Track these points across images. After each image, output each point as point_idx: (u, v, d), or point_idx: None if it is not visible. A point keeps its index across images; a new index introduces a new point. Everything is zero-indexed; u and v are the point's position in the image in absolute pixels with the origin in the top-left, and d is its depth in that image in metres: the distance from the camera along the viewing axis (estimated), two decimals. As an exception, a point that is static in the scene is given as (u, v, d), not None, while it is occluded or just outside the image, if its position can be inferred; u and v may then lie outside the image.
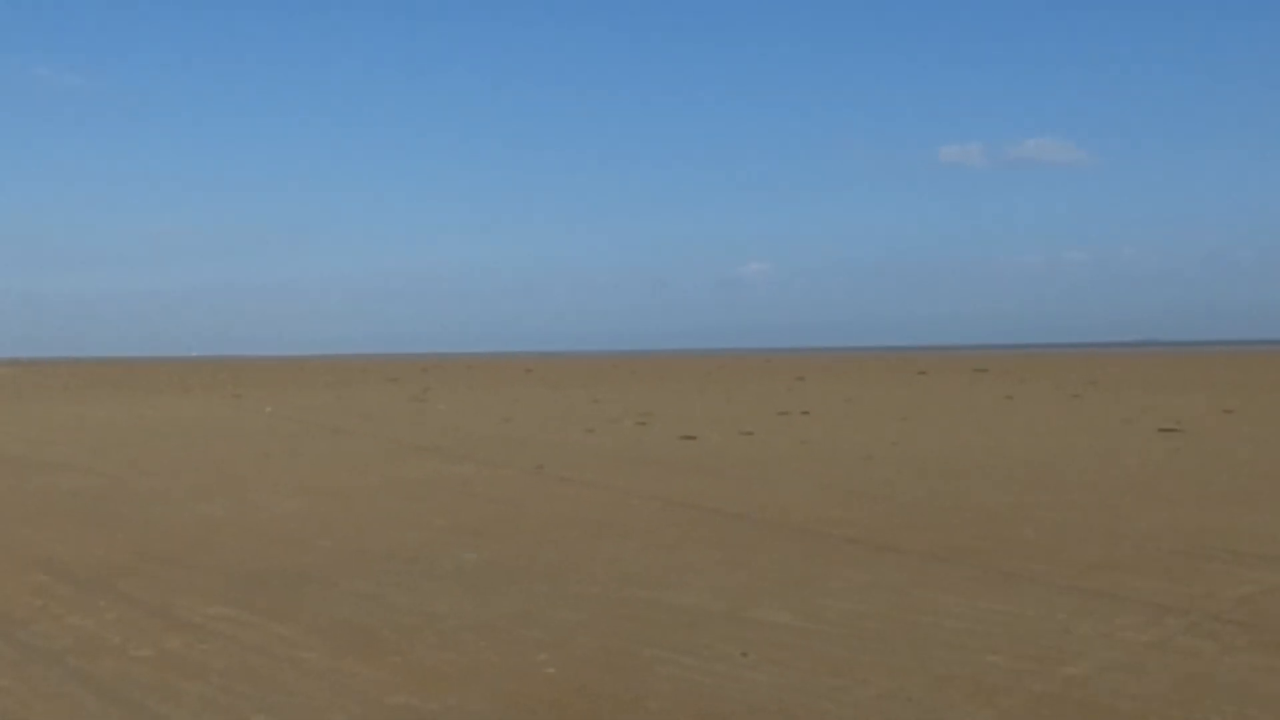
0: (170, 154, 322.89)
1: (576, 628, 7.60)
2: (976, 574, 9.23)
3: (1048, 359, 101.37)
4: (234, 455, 20.47)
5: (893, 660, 6.72)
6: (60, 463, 19.62)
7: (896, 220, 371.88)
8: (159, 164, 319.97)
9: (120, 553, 10.65)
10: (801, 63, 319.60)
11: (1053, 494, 13.86)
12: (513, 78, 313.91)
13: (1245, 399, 34.36)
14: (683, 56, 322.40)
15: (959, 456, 18.56)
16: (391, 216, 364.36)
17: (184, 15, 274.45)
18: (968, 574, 9.23)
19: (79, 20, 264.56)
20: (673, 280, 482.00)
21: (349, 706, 6.01)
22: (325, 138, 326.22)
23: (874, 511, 12.66)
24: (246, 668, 6.72)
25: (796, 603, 8.21)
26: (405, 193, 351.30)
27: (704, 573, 9.43)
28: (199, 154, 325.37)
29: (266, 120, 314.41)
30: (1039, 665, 6.56)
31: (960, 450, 19.65)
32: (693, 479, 16.02)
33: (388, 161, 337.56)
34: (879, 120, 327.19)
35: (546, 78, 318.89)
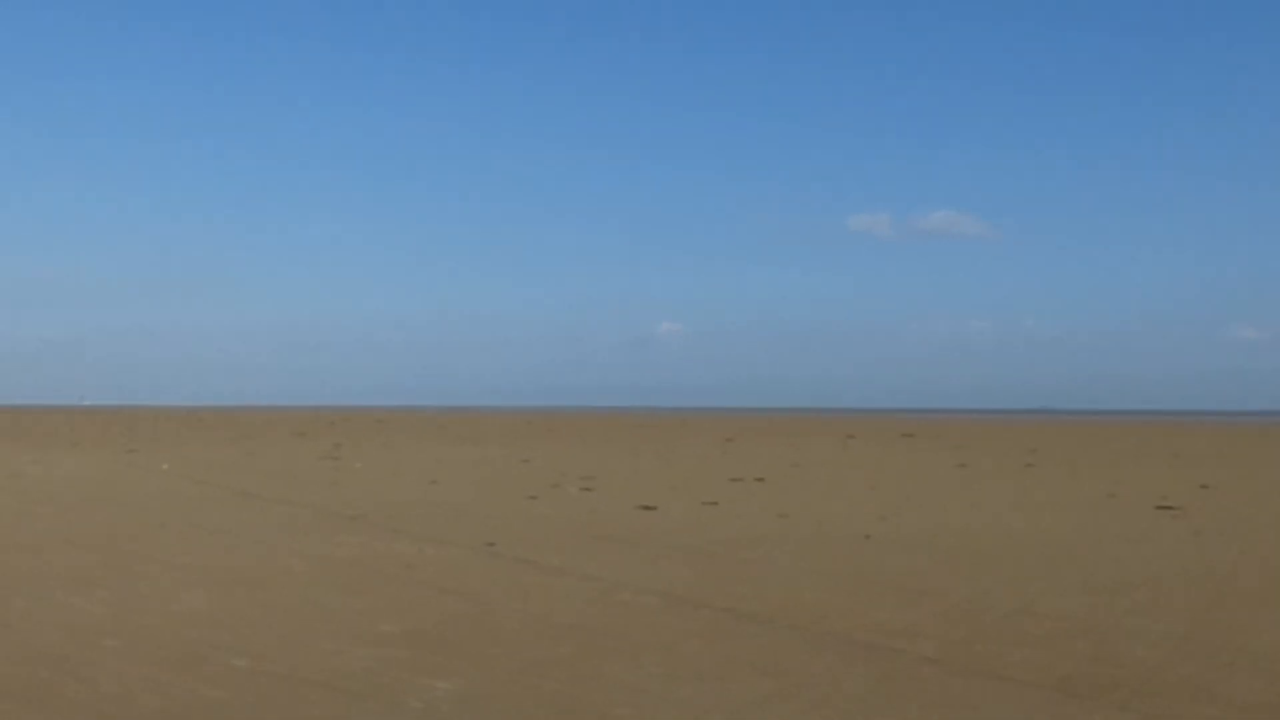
0: (58, 195, 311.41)
1: (640, 836, 5.05)
2: (1138, 723, 6.89)
3: (966, 425, 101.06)
4: (123, 526, 17.38)
5: None
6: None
7: (806, 286, 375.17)
8: (43, 206, 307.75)
9: (-46, 679, 7.77)
10: (712, 128, 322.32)
11: (1121, 595, 11.65)
12: (423, 128, 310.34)
13: (1210, 474, 33.01)
14: (594, 116, 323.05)
15: (969, 538, 16.35)
16: (294, 266, 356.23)
17: (77, 41, 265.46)
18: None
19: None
20: (583, 338, 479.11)
21: None
22: (225, 181, 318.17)
23: (928, 616, 10.29)
24: None
25: (941, 784, 5.76)
26: (308, 242, 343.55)
27: (770, 718, 6.94)
28: (89, 196, 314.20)
29: (162, 160, 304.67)
30: None
31: (964, 530, 17.46)
32: (679, 565, 13.51)
33: (291, 209, 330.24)
34: (789, 187, 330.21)
35: (456, 130, 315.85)
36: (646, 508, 20.67)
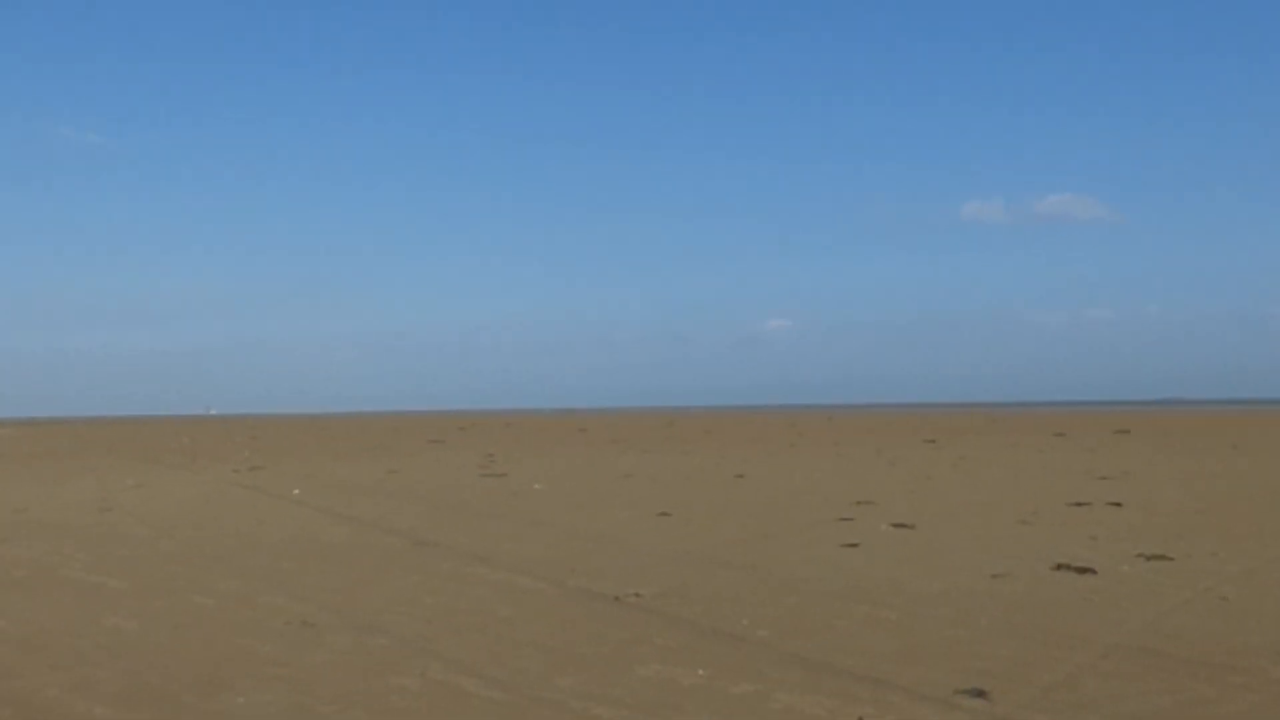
0: (190, 211, 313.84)
1: None
2: None
3: (1168, 419, 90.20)
4: (237, 631, 9.96)
5: None
6: None
7: (918, 277, 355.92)
8: (177, 221, 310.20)
9: None
10: (819, 118, 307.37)
11: None
12: (533, 135, 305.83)
13: None
14: (701, 112, 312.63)
15: None
16: (404, 275, 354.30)
17: (207, 75, 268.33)
18: None
19: (103, 80, 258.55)
20: (693, 337, 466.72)
21: None
22: (349, 194, 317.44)
23: None
24: None
25: None
26: (418, 251, 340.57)
27: None
28: (219, 211, 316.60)
29: (288, 179, 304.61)
30: None
31: None
32: None
33: (406, 219, 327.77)
34: (899, 176, 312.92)
35: (567, 136, 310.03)
36: (1076, 569, 12.58)
